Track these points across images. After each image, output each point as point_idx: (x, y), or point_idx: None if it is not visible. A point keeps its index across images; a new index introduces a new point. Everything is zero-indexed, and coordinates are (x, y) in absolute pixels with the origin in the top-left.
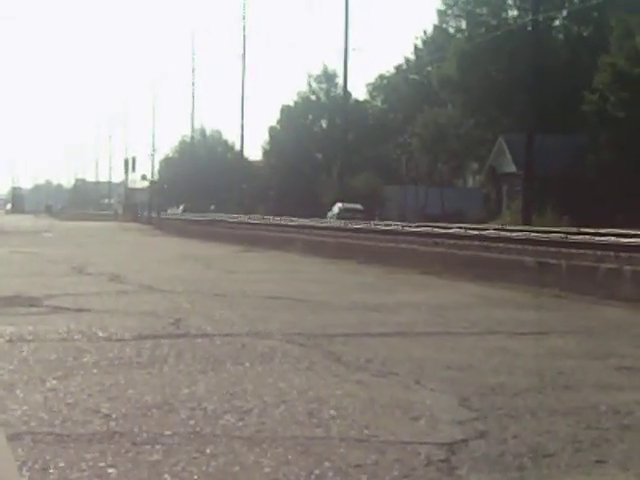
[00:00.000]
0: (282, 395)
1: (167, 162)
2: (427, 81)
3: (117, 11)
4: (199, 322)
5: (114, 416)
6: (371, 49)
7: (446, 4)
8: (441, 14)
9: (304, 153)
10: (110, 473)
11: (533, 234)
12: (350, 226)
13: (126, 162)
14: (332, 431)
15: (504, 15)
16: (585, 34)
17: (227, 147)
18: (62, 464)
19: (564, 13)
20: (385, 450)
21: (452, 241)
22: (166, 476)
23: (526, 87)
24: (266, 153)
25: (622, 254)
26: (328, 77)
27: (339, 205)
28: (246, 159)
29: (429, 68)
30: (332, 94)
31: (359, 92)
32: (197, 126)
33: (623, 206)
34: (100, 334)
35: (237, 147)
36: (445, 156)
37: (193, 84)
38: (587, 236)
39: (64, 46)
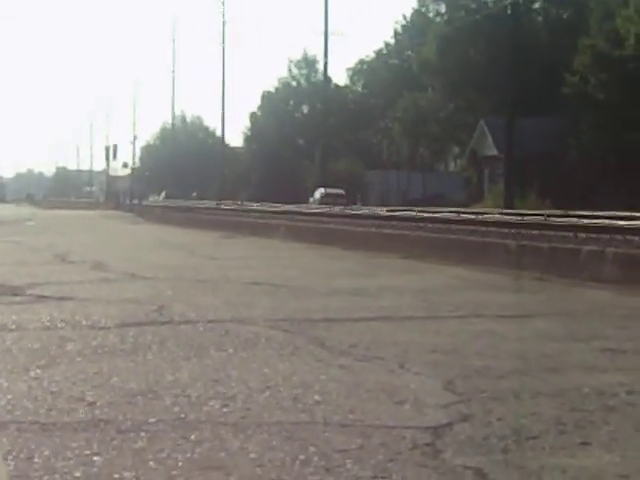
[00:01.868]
0: (266, 381)
1: (148, 149)
2: (407, 65)
3: None
4: (182, 309)
5: (98, 404)
6: (351, 34)
7: None
8: None
9: (285, 139)
10: (95, 461)
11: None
12: (332, 211)
13: (107, 150)
14: (317, 416)
15: None
16: (564, 16)
17: (208, 133)
18: (47, 452)
19: None
20: (370, 434)
21: (434, 225)
22: (151, 463)
23: (506, 70)
24: (247, 139)
25: (604, 236)
26: (308, 62)
27: (321, 190)
28: (227, 145)
29: (409, 52)
30: (312, 79)
31: (339, 77)
32: (178, 112)
33: (603, 188)
34: (83, 322)
35: (218, 133)
36: (426, 140)
37: (173, 70)
38: (569, 218)
39: (44, 35)
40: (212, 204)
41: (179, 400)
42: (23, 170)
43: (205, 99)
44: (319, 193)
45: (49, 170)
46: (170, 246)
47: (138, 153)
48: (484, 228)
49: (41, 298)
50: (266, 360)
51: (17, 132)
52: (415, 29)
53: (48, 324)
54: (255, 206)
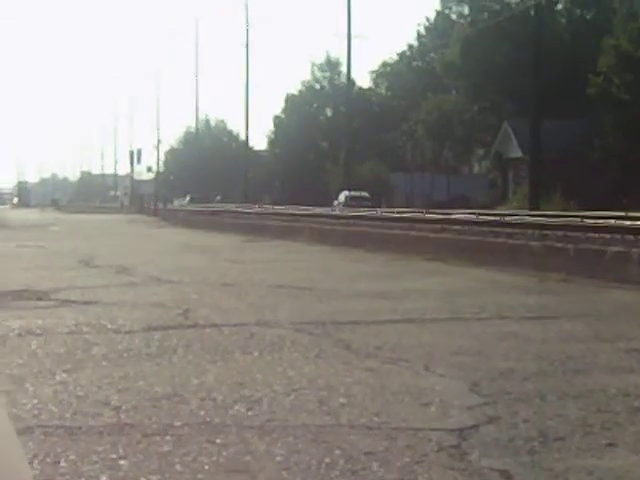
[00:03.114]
0: (292, 384)
1: (172, 153)
2: (431, 68)
3: (121, 1)
4: (207, 312)
5: (124, 408)
6: (374, 36)
7: None
8: (443, 0)
9: (309, 142)
10: (121, 465)
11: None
12: (356, 214)
13: (131, 154)
14: (342, 419)
15: (506, 0)
16: (588, 17)
17: (232, 137)
18: (73, 457)
19: None
20: (396, 437)
21: (458, 227)
22: (177, 466)
23: (529, 72)
24: (271, 142)
25: (629, 237)
26: (331, 65)
27: (345, 193)
28: (251, 149)
29: (432, 54)
30: (336, 82)
31: (363, 80)
32: (201, 116)
33: (629, 189)
34: (109, 326)
35: (242, 137)
36: (450, 142)
37: (196, 74)
38: (595, 219)
39: (68, 38)
40: (238, 207)
41: (205, 403)
42: (47, 175)
43: (229, 102)
44: (343, 196)
45: (73, 175)
46: (194, 250)
47: (162, 157)
48: (509, 229)
49: (66, 302)
50: (291, 363)
51: (41, 137)
52: (438, 31)
53: (73, 328)
54: (279, 209)
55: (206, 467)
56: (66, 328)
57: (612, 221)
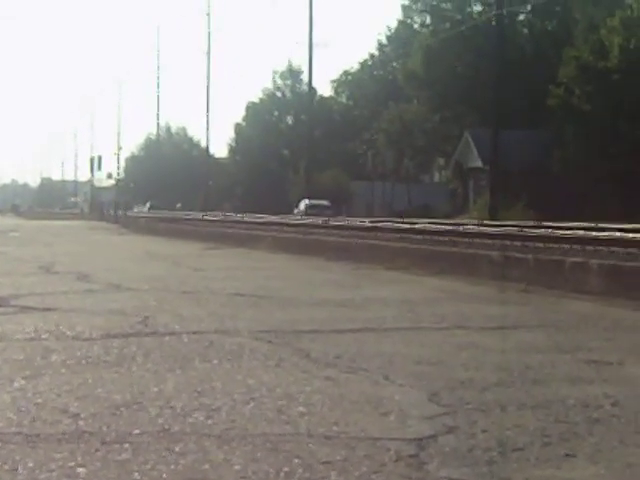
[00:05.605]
0: (251, 392)
1: (133, 160)
2: (392, 77)
3: (82, 7)
4: (167, 320)
5: (83, 415)
6: (335, 45)
7: None
8: (405, 9)
9: (270, 150)
10: (79, 473)
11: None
12: (317, 222)
13: (92, 160)
14: (301, 428)
15: (469, 10)
16: (549, 28)
17: (193, 144)
18: (31, 464)
19: (528, 7)
20: (354, 446)
21: (418, 236)
22: (135, 475)
23: (491, 82)
24: (232, 150)
25: (588, 247)
26: (293, 73)
27: (306, 202)
28: (212, 156)
29: (394, 64)
30: (297, 90)
31: (324, 88)
32: (162, 123)
33: (590, 199)
34: (68, 333)
35: (203, 144)
36: (411, 152)
37: (158, 82)
38: (554, 230)
39: (28, 44)
40: (198, 215)
41: (163, 411)
42: (7, 181)
43: (190, 110)
44: (304, 204)
45: (34, 181)
46: (155, 257)
47: (123, 164)
48: (468, 239)
49: (25, 309)
50: (251, 371)
51: (1, 142)
52: (400, 40)
53: (32, 335)
54: (240, 217)
55: (164, 475)
56: (25, 335)
57: (570, 231)
